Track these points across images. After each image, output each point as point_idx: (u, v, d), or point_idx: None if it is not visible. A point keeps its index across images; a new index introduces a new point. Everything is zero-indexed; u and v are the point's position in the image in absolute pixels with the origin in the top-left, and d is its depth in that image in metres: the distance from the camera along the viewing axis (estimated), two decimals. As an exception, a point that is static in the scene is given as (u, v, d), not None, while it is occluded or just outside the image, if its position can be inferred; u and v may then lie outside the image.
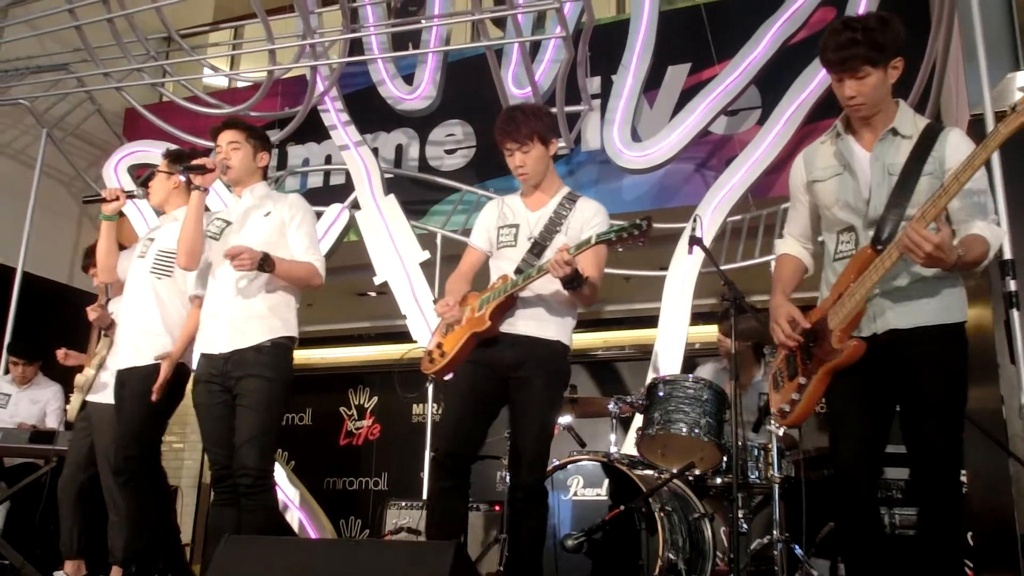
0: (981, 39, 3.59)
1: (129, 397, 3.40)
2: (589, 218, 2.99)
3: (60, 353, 4.39)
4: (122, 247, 3.88)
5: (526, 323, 2.94)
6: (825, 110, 4.76)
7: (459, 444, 2.88)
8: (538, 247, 2.97)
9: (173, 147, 3.95)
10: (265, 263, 3.08)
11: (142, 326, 3.48)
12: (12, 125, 6.46)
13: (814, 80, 4.84)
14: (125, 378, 3.45)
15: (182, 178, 3.40)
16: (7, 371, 5.29)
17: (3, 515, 4.96)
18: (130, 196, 3.66)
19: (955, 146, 2.36)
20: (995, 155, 3.43)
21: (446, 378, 3.09)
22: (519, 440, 2.88)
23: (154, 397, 3.33)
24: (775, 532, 3.34)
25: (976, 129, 3.28)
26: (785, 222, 2.76)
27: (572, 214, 3.01)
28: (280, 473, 5.74)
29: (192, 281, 3.42)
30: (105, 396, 3.91)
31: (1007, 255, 3.20)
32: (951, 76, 4.29)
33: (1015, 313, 3.27)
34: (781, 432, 3.59)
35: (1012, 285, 3.28)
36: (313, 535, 5.84)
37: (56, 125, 6.33)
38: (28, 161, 6.36)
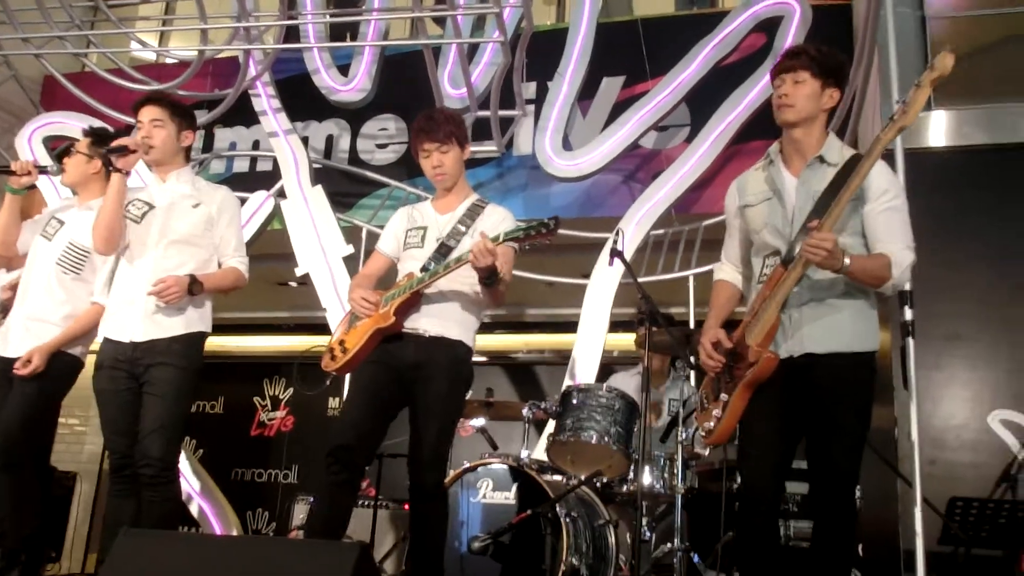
0: (896, 76, 3.76)
1: (18, 382, 3.24)
2: (496, 223, 3.02)
3: None
4: (27, 216, 3.72)
5: (429, 321, 2.94)
6: (752, 132, 4.91)
7: (356, 439, 2.84)
8: (445, 248, 2.99)
9: (98, 125, 3.81)
10: (193, 287, 3.03)
11: (39, 313, 3.34)
12: (-81, 85, 6.15)
13: (743, 102, 4.98)
14: (12, 364, 3.27)
15: (104, 155, 3.27)
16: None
17: None
18: (42, 171, 3.51)
19: (873, 175, 2.49)
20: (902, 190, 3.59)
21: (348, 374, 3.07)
22: (418, 441, 2.87)
23: (21, 368, 3.20)
24: (676, 540, 3.43)
25: (888, 163, 3.43)
26: (722, 247, 2.86)
27: (480, 218, 3.04)
28: (185, 462, 5.61)
29: (99, 285, 3.31)
30: None
31: (906, 286, 3.35)
32: (868, 109, 4.48)
33: (910, 341, 3.43)
34: (700, 450, 3.72)
35: (908, 314, 3.45)
36: (217, 527, 5.73)
37: (-33, 88, 6.06)
38: (-65, 124, 6.08)
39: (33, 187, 3.76)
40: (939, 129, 4.26)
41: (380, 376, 2.92)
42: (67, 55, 5.95)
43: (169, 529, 2.98)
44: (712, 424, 2.57)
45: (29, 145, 5.90)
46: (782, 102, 2.57)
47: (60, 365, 3.29)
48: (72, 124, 5.77)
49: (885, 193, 2.51)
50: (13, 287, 3.87)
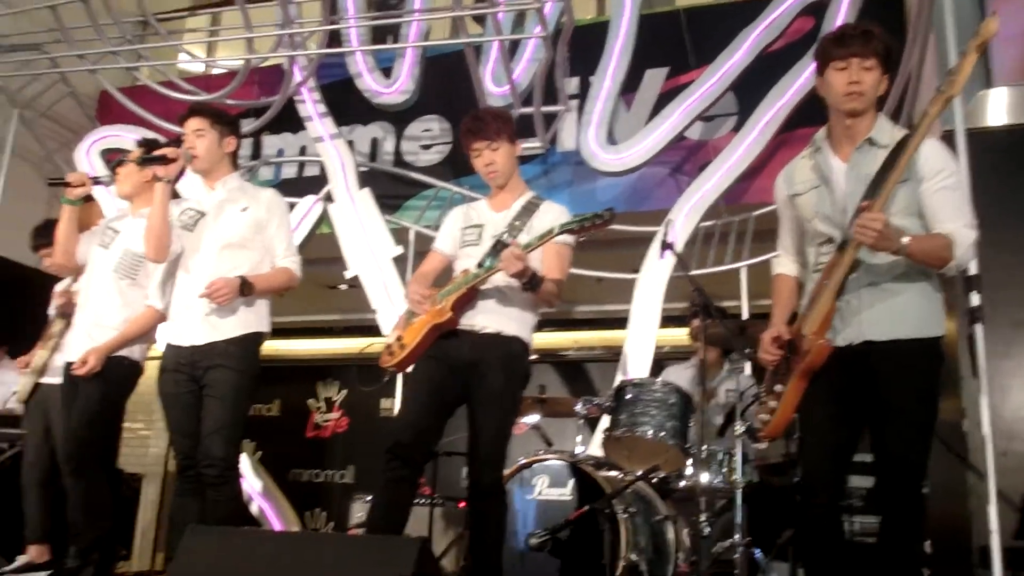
0: (954, 55, 3.65)
1: (82, 386, 3.33)
2: (552, 221, 2.98)
3: (22, 363, 4.34)
4: (86, 227, 3.81)
5: (485, 318, 2.94)
6: (801, 119, 4.82)
7: (414, 436, 2.85)
8: (501, 245, 2.96)
9: (150, 135, 3.90)
10: (244, 288, 3.08)
11: (99, 319, 3.41)
12: (-18, 105, 6.35)
13: (791, 88, 4.89)
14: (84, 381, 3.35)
15: (140, 164, 3.34)
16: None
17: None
18: (97, 182, 3.60)
19: (927, 155, 2.40)
20: (966, 170, 3.50)
21: (408, 370, 3.08)
22: (476, 438, 2.86)
23: (78, 368, 3.27)
24: (736, 536, 3.38)
25: (949, 145, 3.33)
26: (776, 238, 2.78)
27: (535, 215, 3.02)
28: (246, 464, 5.70)
29: (153, 288, 3.38)
30: (60, 378, 3.87)
31: (972, 271, 3.25)
32: (924, 93, 4.37)
33: (978, 328, 3.33)
34: (760, 445, 3.65)
35: (975, 300, 3.35)
36: (277, 526, 5.82)
37: (28, 106, 6.22)
38: (-2, 141, 6.26)
39: (90, 199, 3.85)
40: (1000, 107, 4.12)
41: (437, 373, 2.93)
42: (120, 70, 6.10)
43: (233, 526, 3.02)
44: (767, 416, 2.51)
45: (87, 158, 6.07)
46: (854, 89, 2.43)
47: (119, 370, 3.37)
48: (127, 136, 5.90)
49: (940, 172, 2.41)
50: (64, 293, 3.98)
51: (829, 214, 2.49)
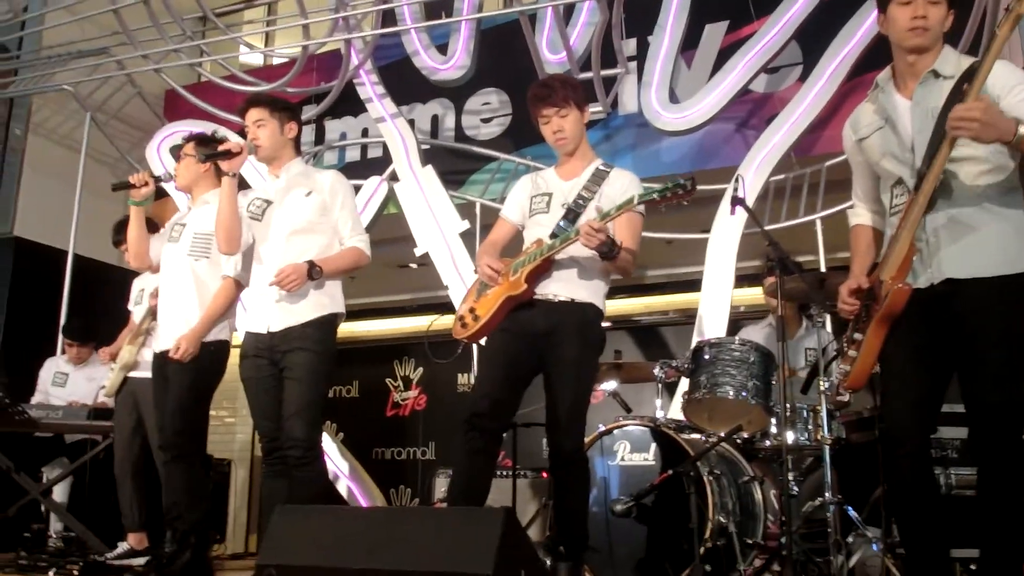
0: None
1: (172, 375, 3.42)
2: (623, 188, 2.95)
3: (105, 354, 4.49)
4: (164, 222, 3.91)
5: (558, 286, 2.92)
6: (869, 64, 4.64)
7: (490, 407, 2.86)
8: (572, 213, 2.94)
9: (210, 128, 3.96)
10: (312, 272, 3.12)
11: (181, 310, 3.48)
12: (58, 111, 6.58)
13: (857, 34, 4.72)
14: (165, 359, 3.45)
15: (204, 161, 3.38)
16: (63, 351, 5.43)
17: (67, 490, 5.11)
18: (157, 180, 3.65)
19: (998, 75, 2.23)
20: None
21: (481, 342, 3.08)
22: (554, 407, 2.86)
23: (174, 354, 3.35)
24: (827, 494, 3.30)
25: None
26: (852, 188, 2.66)
27: (606, 183, 2.98)
28: (329, 444, 5.83)
29: (228, 262, 3.43)
30: (149, 372, 4.00)
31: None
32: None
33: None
34: (842, 396, 3.52)
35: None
36: (364, 505, 5.94)
37: (99, 109, 6.44)
38: (74, 145, 6.48)
39: (162, 194, 3.94)
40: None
41: (511, 344, 2.92)
42: (183, 67, 6.23)
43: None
44: (849, 367, 2.41)
45: (159, 155, 6.23)
46: (919, 24, 2.31)
47: (207, 355, 3.44)
48: (195, 131, 6.03)
49: (1016, 86, 2.24)
50: (155, 294, 4.09)
51: (896, 153, 2.39)
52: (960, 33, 4.25)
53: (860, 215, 2.63)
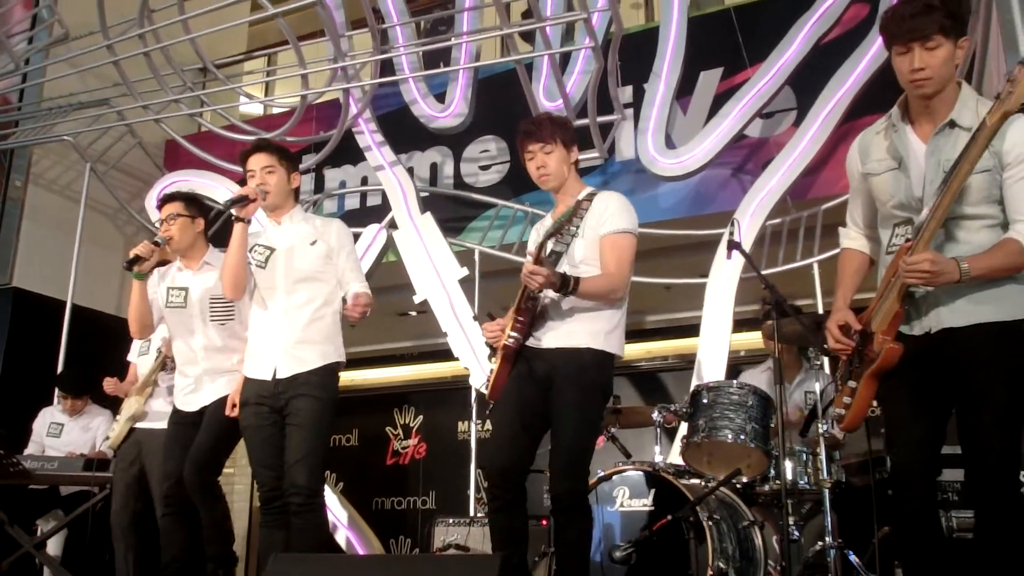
0: (1021, 24, 3.50)
1: (215, 422, 3.43)
2: (601, 212, 2.93)
3: (109, 384, 4.46)
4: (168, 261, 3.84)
5: (550, 335, 2.91)
6: (863, 108, 4.69)
7: (510, 458, 2.86)
8: (554, 255, 2.93)
9: (212, 182, 3.95)
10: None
11: (219, 368, 3.51)
12: (58, 161, 6.64)
13: (850, 77, 4.78)
14: (211, 409, 3.48)
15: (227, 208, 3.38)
16: (59, 402, 5.39)
17: (62, 543, 5.04)
18: (156, 244, 3.52)
19: (1015, 140, 2.20)
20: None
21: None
22: (555, 452, 2.84)
23: (230, 414, 3.37)
24: (828, 539, 3.26)
25: None
26: (847, 211, 2.62)
27: (587, 215, 2.95)
28: (329, 494, 5.76)
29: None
30: (158, 422, 3.98)
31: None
32: (992, 65, 4.20)
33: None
34: (836, 431, 3.50)
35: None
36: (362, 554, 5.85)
37: (99, 159, 6.49)
38: (74, 196, 6.53)
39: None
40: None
41: (521, 390, 2.92)
42: (183, 117, 6.31)
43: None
44: (843, 411, 2.42)
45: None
46: (919, 78, 2.23)
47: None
48: (195, 181, 6.10)
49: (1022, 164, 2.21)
50: (167, 345, 4.06)
51: (903, 200, 2.35)
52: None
53: (853, 238, 2.59)
